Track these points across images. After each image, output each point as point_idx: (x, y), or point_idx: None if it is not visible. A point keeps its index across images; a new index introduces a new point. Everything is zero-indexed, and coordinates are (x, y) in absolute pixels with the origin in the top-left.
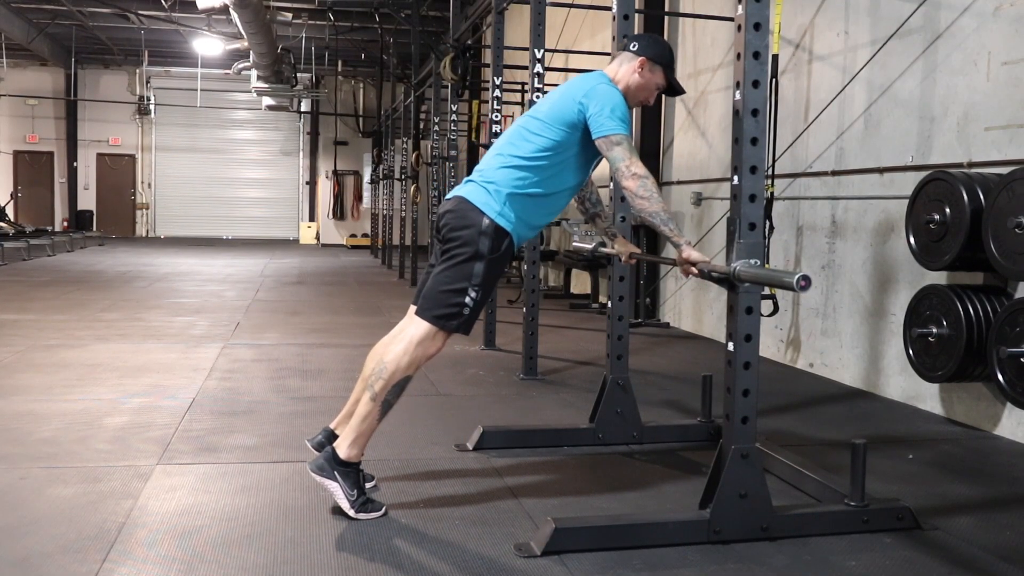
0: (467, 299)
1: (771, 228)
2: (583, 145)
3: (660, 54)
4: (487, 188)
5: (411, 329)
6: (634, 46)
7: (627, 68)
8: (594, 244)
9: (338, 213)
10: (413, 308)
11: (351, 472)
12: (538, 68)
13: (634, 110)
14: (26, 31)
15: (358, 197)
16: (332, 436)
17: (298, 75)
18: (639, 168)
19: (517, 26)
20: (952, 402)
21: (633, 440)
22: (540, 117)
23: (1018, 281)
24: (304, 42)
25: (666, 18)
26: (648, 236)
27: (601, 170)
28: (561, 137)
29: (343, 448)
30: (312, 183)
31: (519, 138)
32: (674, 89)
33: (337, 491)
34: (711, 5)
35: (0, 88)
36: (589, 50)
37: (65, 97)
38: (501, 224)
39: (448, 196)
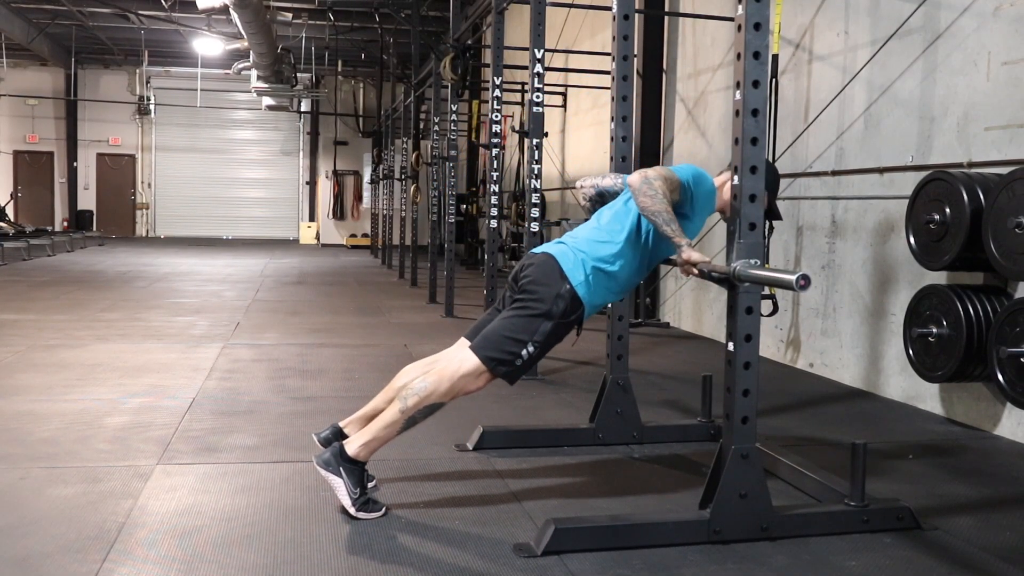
0: (524, 351)
1: (771, 228)
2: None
3: (769, 179)
4: (576, 255)
5: (461, 358)
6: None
7: (726, 176)
8: None
9: (338, 213)
10: (463, 340)
11: (356, 470)
12: (538, 68)
13: (634, 109)
14: (26, 31)
15: (358, 197)
16: (339, 433)
17: (298, 75)
18: (652, 172)
19: (517, 26)
20: (952, 402)
21: (633, 440)
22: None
23: (1018, 281)
24: (304, 42)
25: (666, 18)
26: None
27: (602, 169)
28: (646, 223)
29: (354, 446)
30: (312, 183)
31: (617, 214)
32: (773, 214)
33: (340, 487)
34: (711, 5)
35: (0, 88)
36: (589, 50)
37: (65, 97)
38: (580, 293)
39: (535, 250)
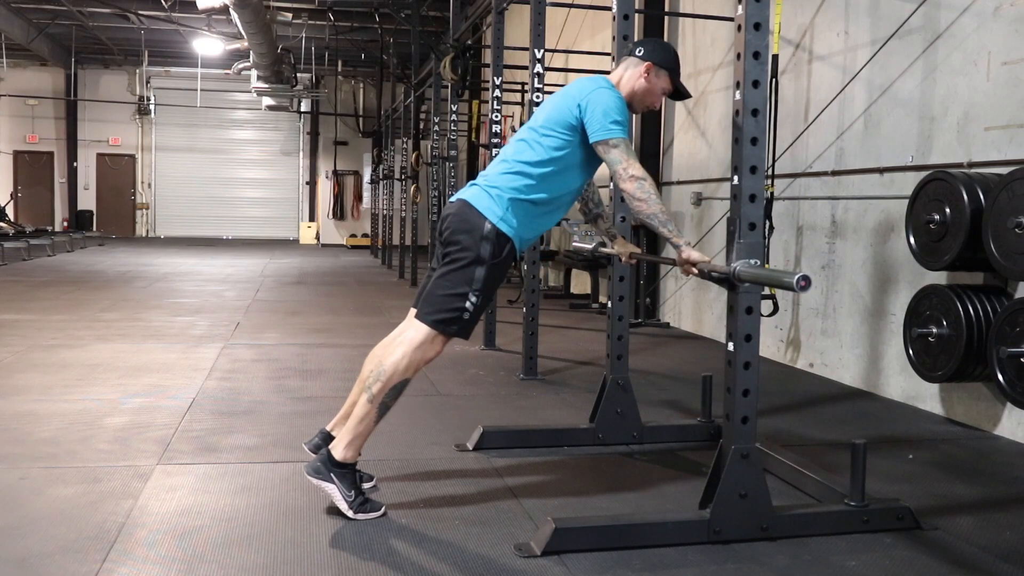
0: (467, 304)
1: (771, 228)
2: (583, 149)
3: (666, 59)
4: (490, 192)
5: (410, 332)
6: (639, 51)
7: (632, 73)
8: (594, 244)
9: (338, 213)
10: (413, 311)
11: (347, 473)
12: (538, 68)
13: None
14: (26, 31)
15: (358, 197)
16: (328, 438)
17: (298, 75)
18: (636, 170)
19: (517, 26)
20: (952, 402)
21: (633, 440)
22: (541, 122)
23: (1018, 281)
24: (304, 42)
25: (666, 18)
26: (648, 236)
27: (601, 171)
28: (562, 142)
29: (339, 450)
30: (312, 183)
31: (522, 144)
32: (680, 93)
33: (335, 493)
34: (711, 5)
35: (0, 88)
36: (589, 50)
37: (65, 97)
38: (503, 229)
39: (451, 199)
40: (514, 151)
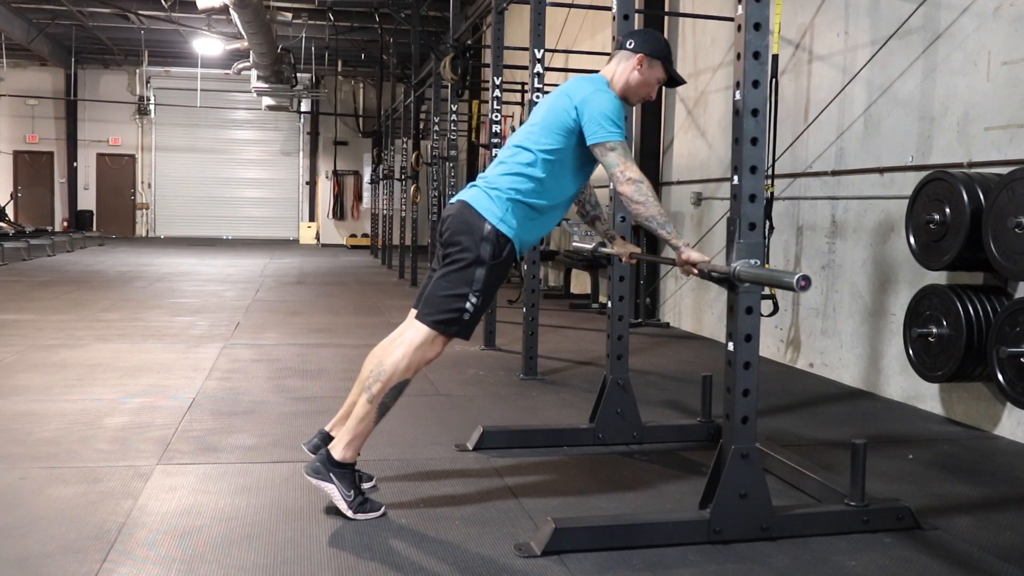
0: (467, 304)
1: (771, 228)
2: (580, 150)
3: (657, 48)
4: (490, 194)
5: (410, 333)
6: (630, 43)
7: (625, 66)
8: (594, 244)
9: (338, 213)
10: (414, 311)
11: (347, 473)
12: (538, 68)
13: (634, 109)
14: (26, 31)
15: (358, 197)
16: (327, 438)
17: (298, 75)
18: (634, 173)
19: (517, 26)
20: (952, 402)
21: (633, 440)
22: (537, 124)
23: (1018, 281)
24: (304, 42)
25: (666, 18)
26: (648, 236)
27: (598, 172)
28: (559, 144)
29: (338, 450)
30: (312, 183)
31: (521, 145)
32: (675, 81)
33: (334, 493)
34: (711, 5)
35: (0, 88)
36: (589, 50)
37: (65, 97)
38: (503, 230)
39: (451, 200)
40: (512, 153)
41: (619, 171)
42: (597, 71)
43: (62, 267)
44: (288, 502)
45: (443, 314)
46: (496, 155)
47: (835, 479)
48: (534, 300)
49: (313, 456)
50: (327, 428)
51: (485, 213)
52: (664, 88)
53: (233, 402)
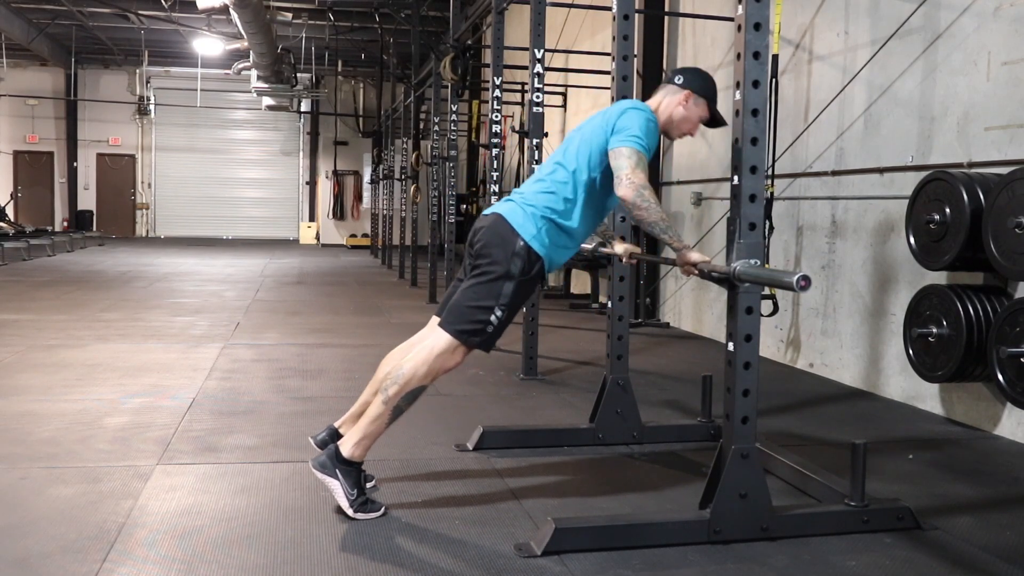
0: (492, 317)
1: (771, 228)
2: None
3: (704, 87)
4: (525, 210)
5: (432, 339)
6: (679, 79)
7: (671, 100)
8: (594, 244)
9: (338, 213)
10: (436, 319)
11: (352, 471)
12: (538, 68)
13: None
14: (26, 31)
15: (358, 197)
16: (336, 435)
17: (298, 75)
18: (638, 178)
19: (517, 26)
20: (952, 402)
21: (633, 440)
22: (578, 142)
23: (1018, 281)
24: (304, 42)
25: (666, 18)
26: (648, 236)
27: None
28: (598, 163)
29: (347, 447)
30: (312, 183)
31: (560, 163)
32: (716, 122)
33: (337, 489)
34: (711, 5)
35: (0, 88)
36: (589, 50)
37: (65, 97)
38: (535, 247)
39: (486, 212)
40: (551, 170)
41: (624, 174)
42: (597, 71)
43: (62, 267)
44: (288, 502)
45: (467, 324)
46: (534, 170)
47: (835, 479)
48: (534, 300)
49: (320, 450)
50: (336, 424)
51: (519, 228)
52: (709, 127)
53: (233, 402)
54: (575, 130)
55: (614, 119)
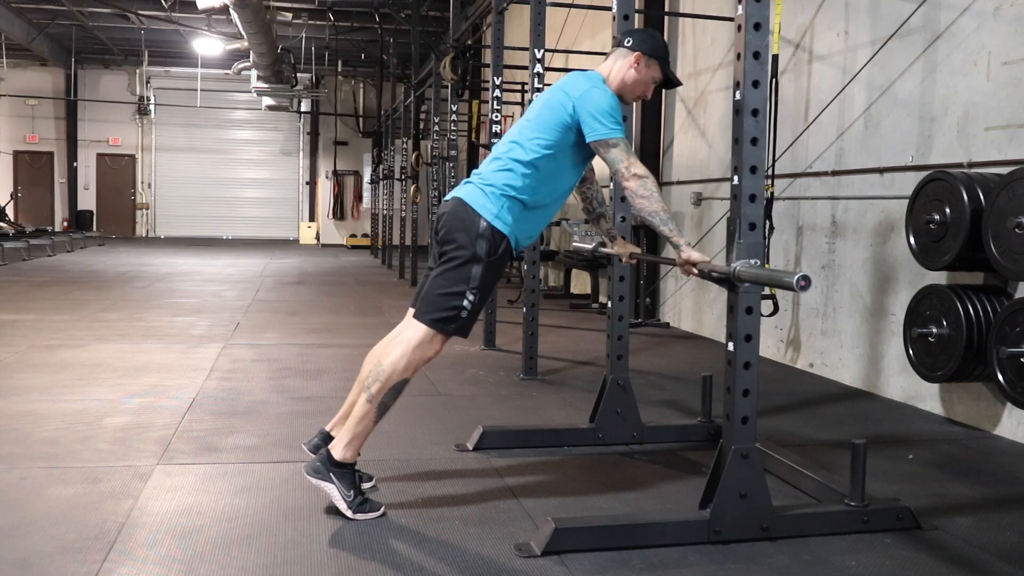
0: (465, 302)
1: (771, 228)
2: (576, 146)
3: (655, 48)
4: (484, 190)
5: (409, 332)
6: (628, 42)
7: (622, 64)
8: (594, 244)
9: (338, 213)
10: (412, 311)
11: (347, 473)
12: (538, 68)
13: (634, 109)
14: (26, 31)
15: (358, 197)
16: (327, 438)
17: (298, 75)
18: (639, 168)
19: (517, 26)
20: (952, 402)
21: (633, 440)
22: (532, 119)
23: (1018, 281)
24: (304, 42)
25: (666, 18)
26: (648, 236)
27: (602, 170)
28: (554, 139)
29: (338, 450)
30: (312, 183)
31: (516, 141)
32: (671, 82)
33: (334, 493)
34: (711, 5)
35: (0, 88)
36: (589, 50)
37: (65, 97)
38: (498, 227)
39: (446, 198)
40: (507, 148)
41: (623, 167)
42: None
43: (62, 267)
44: (288, 502)
45: (441, 312)
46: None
47: (835, 479)
48: (534, 300)
49: (313, 456)
50: (327, 428)
51: (480, 210)
52: (663, 89)
53: (233, 402)
54: (529, 108)
55: (574, 97)
